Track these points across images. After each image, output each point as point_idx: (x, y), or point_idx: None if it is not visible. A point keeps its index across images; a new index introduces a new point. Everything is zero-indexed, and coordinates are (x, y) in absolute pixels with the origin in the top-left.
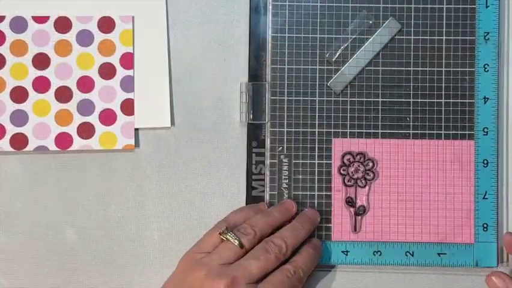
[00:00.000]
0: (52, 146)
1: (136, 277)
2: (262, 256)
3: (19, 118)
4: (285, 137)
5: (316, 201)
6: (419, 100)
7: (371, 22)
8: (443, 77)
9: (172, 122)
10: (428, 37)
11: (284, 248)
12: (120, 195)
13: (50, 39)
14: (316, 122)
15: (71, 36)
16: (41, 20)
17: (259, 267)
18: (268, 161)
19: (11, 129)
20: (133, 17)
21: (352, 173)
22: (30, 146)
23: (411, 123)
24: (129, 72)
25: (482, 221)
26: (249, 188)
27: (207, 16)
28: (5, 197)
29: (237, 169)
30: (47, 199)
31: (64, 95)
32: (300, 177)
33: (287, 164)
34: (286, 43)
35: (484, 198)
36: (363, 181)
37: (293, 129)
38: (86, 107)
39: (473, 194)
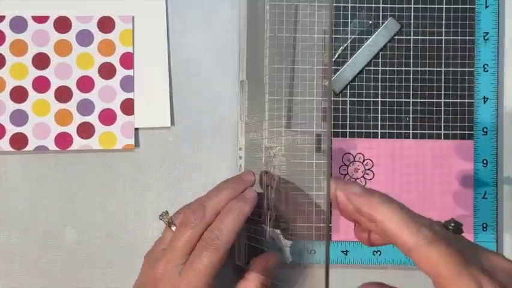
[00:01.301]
0: (52, 146)
1: (136, 277)
2: (182, 231)
3: (19, 118)
4: (283, 137)
5: (315, 201)
6: (419, 100)
7: (370, 22)
8: (443, 77)
9: (172, 122)
10: (427, 37)
11: (202, 212)
12: (120, 195)
13: (50, 39)
14: (315, 122)
15: (71, 36)
16: (41, 19)
17: (182, 244)
18: (267, 160)
19: (11, 129)
20: (133, 17)
21: (352, 172)
22: (30, 146)
23: (410, 123)
24: (129, 72)
25: (482, 220)
26: None
27: (207, 16)
28: (5, 197)
29: (236, 169)
30: (47, 199)
31: (63, 94)
32: (299, 177)
33: (285, 163)
34: (285, 43)
35: (483, 198)
36: (362, 181)
37: (292, 129)
38: (86, 107)
39: (472, 193)
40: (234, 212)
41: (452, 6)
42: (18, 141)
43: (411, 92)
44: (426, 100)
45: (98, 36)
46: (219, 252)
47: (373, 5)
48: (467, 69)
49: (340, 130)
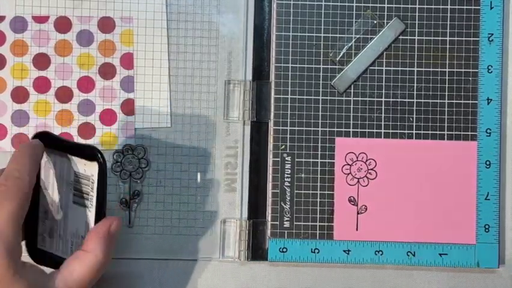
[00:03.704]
0: None
1: (136, 277)
2: None
3: (20, 118)
4: (288, 136)
5: (318, 200)
6: (423, 100)
7: (375, 22)
8: (447, 77)
9: (172, 122)
10: (432, 38)
11: None
12: (120, 194)
13: (50, 39)
14: (320, 121)
15: (71, 36)
16: (41, 20)
17: None
18: (270, 160)
19: (12, 130)
20: (133, 17)
21: (355, 172)
22: None
23: (414, 124)
24: (129, 72)
25: (484, 222)
26: (252, 186)
27: (209, 15)
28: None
29: (239, 168)
30: None
31: (64, 95)
32: (303, 176)
33: (290, 162)
34: (291, 42)
35: (486, 199)
36: (365, 180)
37: (296, 128)
38: (86, 107)
39: (475, 195)
40: (23, 150)
41: (456, 6)
42: (20, 141)
43: (415, 92)
44: (430, 100)
45: (99, 36)
46: (19, 196)
47: (378, 5)
48: (471, 70)
49: (343, 129)
